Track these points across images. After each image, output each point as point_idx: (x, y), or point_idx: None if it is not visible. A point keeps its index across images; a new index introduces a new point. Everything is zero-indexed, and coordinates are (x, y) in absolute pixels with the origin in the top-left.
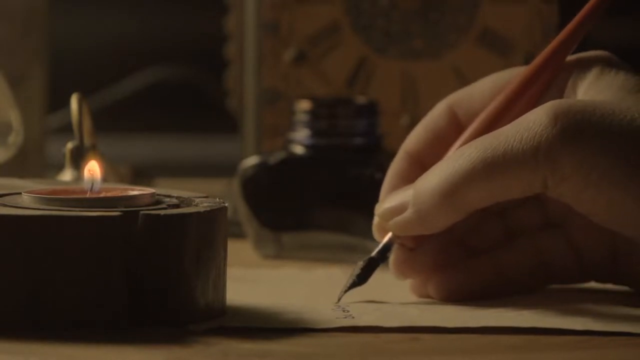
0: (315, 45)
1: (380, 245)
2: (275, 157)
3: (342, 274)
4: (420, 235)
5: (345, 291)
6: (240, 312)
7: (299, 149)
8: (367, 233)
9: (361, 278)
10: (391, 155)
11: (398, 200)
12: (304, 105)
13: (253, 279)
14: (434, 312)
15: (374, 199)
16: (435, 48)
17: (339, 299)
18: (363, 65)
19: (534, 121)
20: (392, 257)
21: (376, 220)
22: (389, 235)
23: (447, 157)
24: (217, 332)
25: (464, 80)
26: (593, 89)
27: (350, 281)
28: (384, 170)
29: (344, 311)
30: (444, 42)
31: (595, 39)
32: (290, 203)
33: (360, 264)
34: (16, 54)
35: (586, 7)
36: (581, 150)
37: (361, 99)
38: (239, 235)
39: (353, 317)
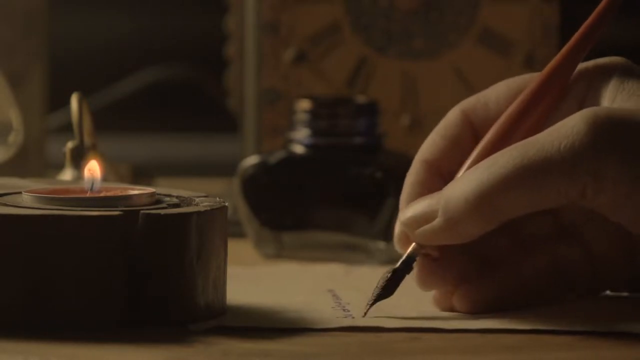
0: (315, 45)
1: (405, 256)
2: (275, 157)
3: (341, 269)
4: (446, 245)
5: (372, 304)
6: (240, 312)
7: (299, 149)
8: (367, 233)
9: (387, 290)
10: (391, 155)
11: (424, 209)
12: (304, 104)
13: (253, 277)
14: (434, 314)
15: (374, 198)
16: (435, 48)
17: (365, 314)
18: (363, 65)
19: (572, 128)
20: (416, 268)
21: (398, 229)
22: (413, 245)
23: (478, 165)
24: (217, 332)
25: (464, 80)
26: (619, 97)
27: (376, 293)
28: (383, 170)
29: (344, 310)
30: (444, 42)
31: (605, 40)
32: (290, 203)
33: (386, 275)
34: (16, 54)
35: (599, 8)
36: (623, 159)
37: (361, 99)
38: (239, 235)
39: (353, 317)
